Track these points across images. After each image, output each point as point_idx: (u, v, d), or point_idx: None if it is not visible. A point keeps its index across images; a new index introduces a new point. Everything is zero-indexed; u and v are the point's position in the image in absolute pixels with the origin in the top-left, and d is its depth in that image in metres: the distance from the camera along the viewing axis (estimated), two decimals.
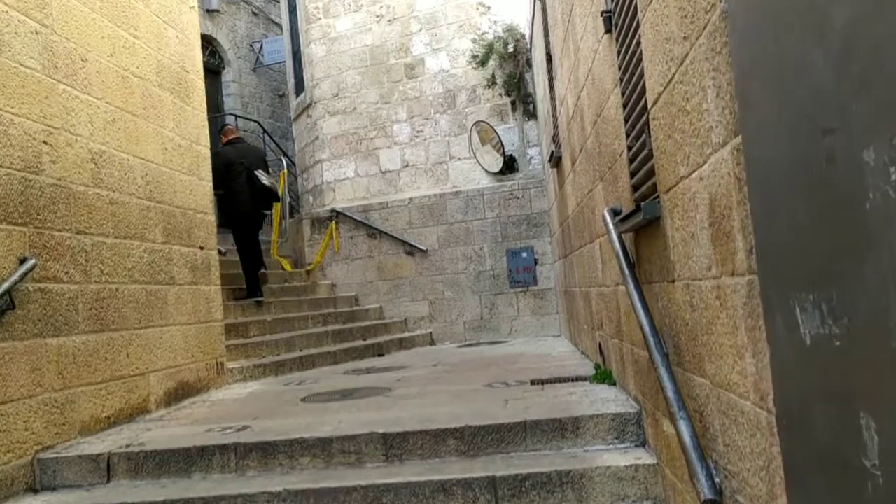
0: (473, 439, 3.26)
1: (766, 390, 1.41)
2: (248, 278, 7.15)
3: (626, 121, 2.77)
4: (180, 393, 4.81)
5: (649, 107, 2.29)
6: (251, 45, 14.22)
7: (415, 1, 9.22)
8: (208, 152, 5.71)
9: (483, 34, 8.79)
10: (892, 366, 0.82)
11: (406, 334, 8.46)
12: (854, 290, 0.92)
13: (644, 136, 2.44)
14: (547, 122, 7.08)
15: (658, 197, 2.30)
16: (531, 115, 8.62)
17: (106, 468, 3.43)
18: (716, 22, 1.50)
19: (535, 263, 8.41)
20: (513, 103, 8.71)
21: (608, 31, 2.97)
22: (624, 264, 2.66)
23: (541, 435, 3.24)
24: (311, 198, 10.05)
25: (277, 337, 6.76)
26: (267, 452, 3.35)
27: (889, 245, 0.80)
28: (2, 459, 3.28)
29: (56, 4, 3.93)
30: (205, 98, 5.71)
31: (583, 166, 4.39)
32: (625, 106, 2.76)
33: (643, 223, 2.46)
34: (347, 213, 9.23)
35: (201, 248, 5.37)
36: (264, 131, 13.01)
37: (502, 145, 8.56)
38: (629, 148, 2.75)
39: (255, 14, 14.48)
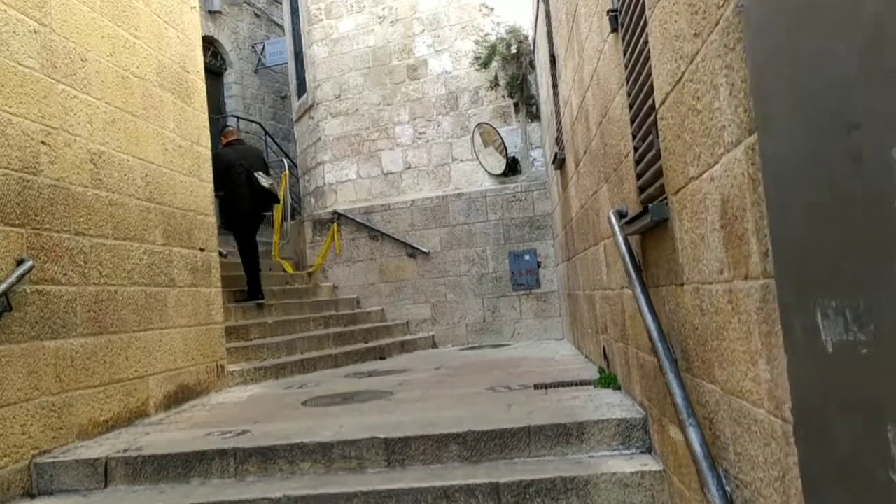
0: (476, 444, 3.21)
1: (782, 398, 1.36)
2: (250, 280, 7.11)
3: (632, 121, 2.72)
4: (180, 396, 4.76)
5: (657, 106, 2.24)
6: (253, 47, 14.19)
7: (417, 2, 9.18)
8: (209, 153, 5.67)
9: (486, 35, 8.75)
10: None
11: (408, 337, 8.42)
12: (882, 296, 0.87)
13: (651, 137, 2.39)
14: (550, 123, 7.03)
15: (666, 198, 2.25)
16: (534, 116, 8.58)
17: (103, 473, 3.38)
18: (729, 17, 1.45)
19: (538, 266, 8.36)
20: (516, 105, 8.67)
21: (614, 30, 2.93)
22: (630, 267, 2.61)
23: (545, 440, 3.19)
24: (312, 199, 10.01)
25: (278, 339, 6.72)
26: (267, 457, 3.30)
27: None
28: None
29: (55, 3, 3.89)
30: (206, 99, 5.67)
31: (587, 168, 4.34)
32: (631, 106, 2.71)
33: (650, 225, 2.41)
34: (349, 215, 9.19)
35: (202, 249, 5.33)
36: (266, 133, 12.98)
37: (505, 147, 8.52)
38: (636, 149, 2.70)
39: (257, 15, 14.46)
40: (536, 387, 4.40)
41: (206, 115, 5.65)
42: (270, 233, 9.73)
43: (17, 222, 3.44)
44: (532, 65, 8.52)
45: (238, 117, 13.01)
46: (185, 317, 4.95)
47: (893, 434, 0.89)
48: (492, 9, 8.84)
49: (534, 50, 8.37)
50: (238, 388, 5.53)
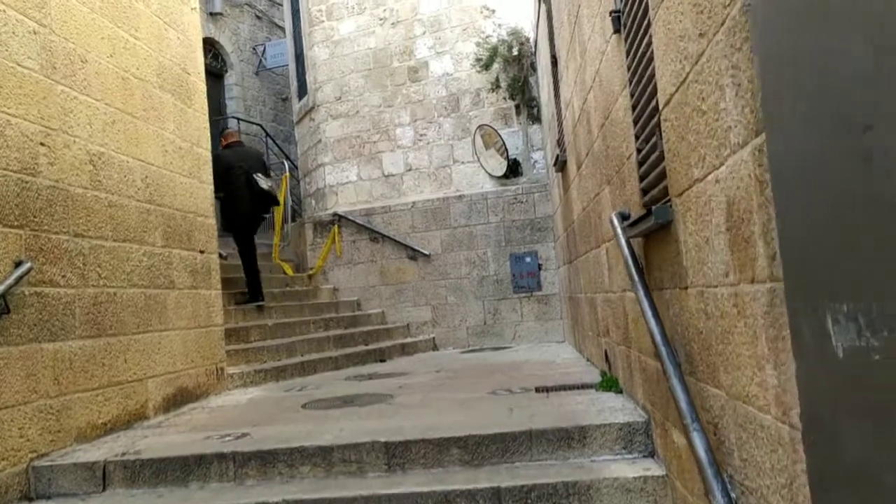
0: (477, 448, 3.18)
1: (790, 404, 1.34)
2: (250, 282, 7.09)
3: (635, 123, 2.70)
4: (179, 399, 4.74)
5: (661, 108, 2.22)
6: (254, 49, 14.19)
7: (418, 4, 9.17)
8: (209, 155, 5.65)
9: (487, 37, 8.73)
10: None
11: (408, 339, 8.39)
12: None
13: (655, 139, 2.36)
14: (551, 125, 7.01)
15: (669, 201, 2.23)
16: (535, 118, 8.56)
17: (102, 476, 3.36)
18: (735, 17, 1.43)
19: (539, 268, 8.33)
20: (517, 107, 8.65)
21: (617, 31, 2.91)
22: (633, 270, 2.59)
23: (546, 444, 3.17)
24: (313, 201, 9.99)
25: (278, 342, 6.69)
26: (266, 461, 3.27)
27: None
28: None
29: (55, 4, 3.87)
30: (206, 100, 5.66)
31: (589, 170, 4.32)
32: (634, 108, 2.69)
33: (654, 228, 2.39)
34: (350, 217, 9.16)
35: (201, 251, 5.31)
36: (267, 135, 12.97)
37: (506, 149, 8.50)
38: (638, 151, 2.68)
39: (258, 17, 14.45)
40: (538, 390, 4.37)
41: (206, 117, 5.63)
42: (271, 235, 9.71)
43: (15, 224, 3.42)
44: (533, 67, 8.50)
45: (239, 119, 12.99)
46: (184, 319, 4.93)
47: None
48: (493, 11, 8.83)
49: (535, 52, 8.35)
50: (238, 391, 5.51)
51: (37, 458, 3.45)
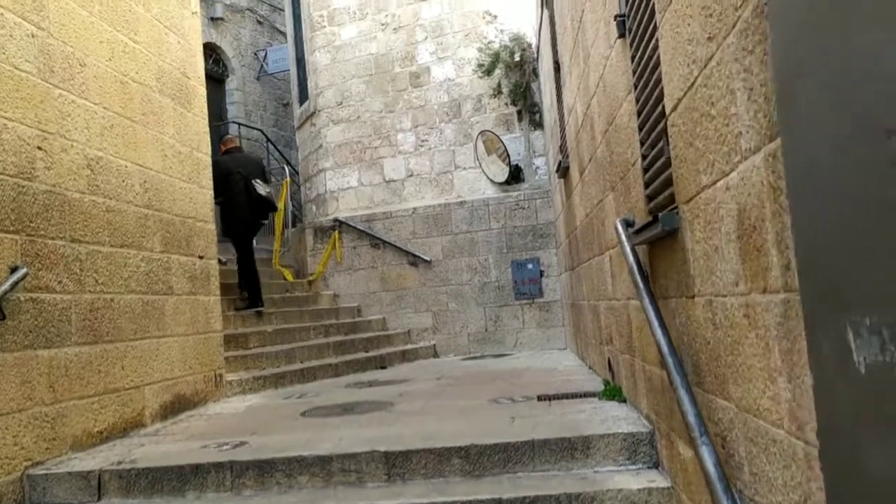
0: (479, 459, 3.13)
1: (805, 419, 1.29)
2: (249, 288, 7.05)
3: (640, 128, 2.65)
4: (177, 406, 4.68)
5: (667, 113, 2.17)
6: (255, 54, 14.17)
7: (420, 9, 9.15)
8: (209, 160, 5.62)
9: (489, 43, 8.70)
10: None
11: (409, 346, 8.33)
12: None
13: (661, 144, 2.32)
14: (554, 131, 6.98)
15: (676, 208, 2.18)
16: (537, 124, 8.52)
17: (97, 486, 3.30)
18: (748, 19, 1.38)
19: (541, 275, 8.28)
20: (519, 113, 8.61)
21: (621, 35, 2.86)
22: (638, 278, 2.54)
23: (549, 455, 3.11)
24: (313, 207, 9.95)
25: (278, 348, 6.64)
26: (264, 470, 3.22)
27: None
28: None
29: (54, 7, 3.84)
30: (206, 105, 5.62)
31: (592, 176, 4.27)
32: (639, 113, 2.64)
33: (660, 235, 2.34)
34: (350, 223, 9.12)
35: (201, 257, 5.26)
36: (268, 140, 12.94)
37: (508, 155, 8.46)
38: (644, 157, 2.64)
39: (259, 22, 14.44)
40: (540, 398, 4.32)
41: (206, 122, 5.60)
42: (271, 240, 9.67)
43: (11, 229, 3.37)
44: (535, 72, 8.46)
45: (240, 124, 12.96)
46: (182, 325, 4.88)
47: None
48: (495, 16, 8.80)
49: (537, 57, 8.32)
50: (236, 398, 5.45)
51: (31, 466, 3.40)
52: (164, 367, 4.59)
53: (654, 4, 2.24)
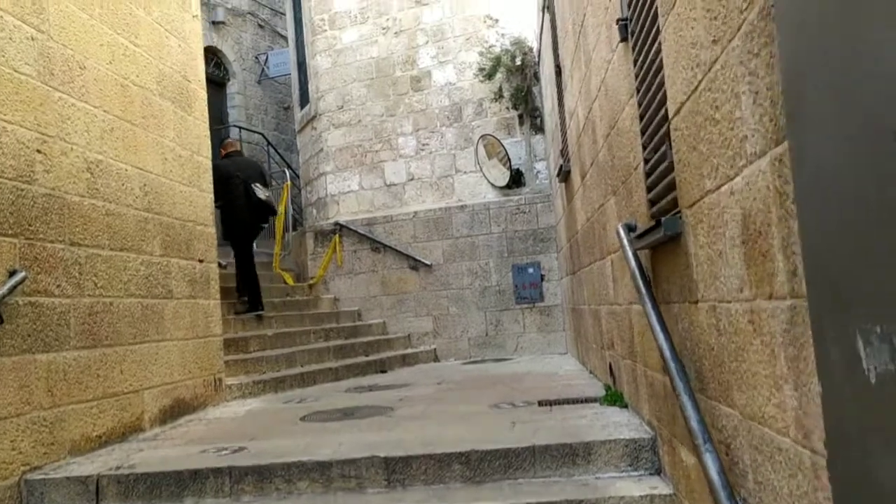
0: (480, 464, 3.11)
1: (811, 428, 1.27)
2: (250, 291, 7.03)
3: (642, 132, 2.63)
4: (176, 411, 4.66)
5: (670, 117, 2.16)
6: (256, 58, 14.17)
7: (421, 13, 9.14)
8: (209, 163, 5.60)
9: (490, 47, 8.69)
10: None
11: (409, 350, 8.31)
12: None
13: (664, 148, 2.30)
14: (555, 135, 6.96)
15: (679, 212, 2.16)
16: (538, 128, 8.51)
17: (95, 491, 3.28)
18: (753, 21, 1.37)
19: (542, 279, 8.26)
20: (520, 117, 8.60)
21: (624, 39, 2.85)
22: (640, 283, 2.52)
23: (550, 461, 3.09)
24: (314, 210, 9.93)
25: (278, 352, 6.62)
26: (263, 476, 3.20)
27: None
28: None
29: (54, 10, 3.83)
30: (206, 108, 5.61)
31: (594, 180, 4.25)
32: (642, 117, 2.63)
33: (662, 240, 2.32)
34: (351, 227, 9.10)
35: (200, 260, 5.24)
36: (269, 143, 12.93)
37: (509, 159, 8.45)
38: (646, 161, 2.62)
39: (260, 26, 14.45)
40: (541, 403, 4.30)
41: (206, 125, 5.59)
42: (272, 244, 9.65)
43: (9, 232, 3.36)
44: (536, 76, 8.46)
45: (241, 128, 12.96)
46: (182, 329, 4.86)
47: None
48: (496, 20, 8.79)
49: (538, 62, 8.31)
50: (236, 402, 5.43)
51: (29, 471, 3.38)
52: (164, 372, 4.57)
53: (657, 8, 2.23)
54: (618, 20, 2.88)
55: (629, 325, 3.43)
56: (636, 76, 2.66)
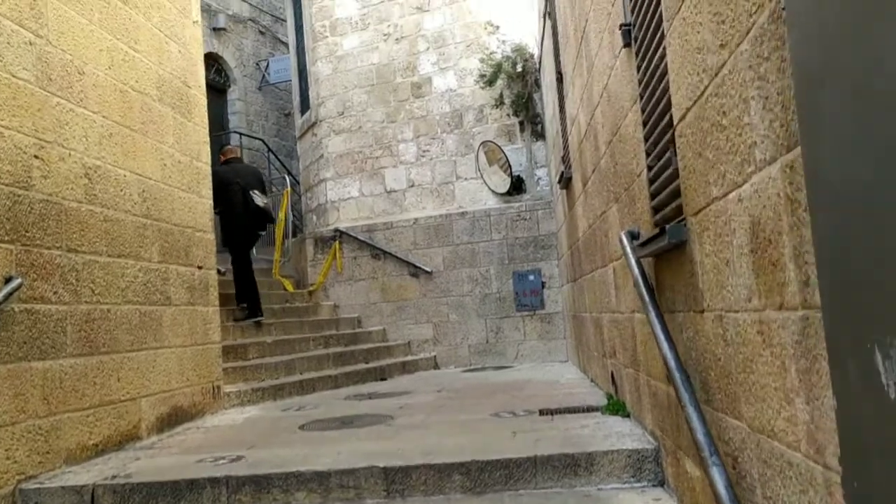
0: (480, 475, 3.06)
1: (824, 443, 1.23)
2: (249, 298, 6.99)
3: (646, 139, 2.60)
4: (174, 419, 4.62)
5: (675, 123, 2.12)
6: (257, 64, 14.17)
7: (422, 20, 9.13)
8: (209, 169, 5.57)
9: (491, 53, 8.68)
10: None
11: (409, 358, 8.26)
12: None
13: (668, 155, 2.27)
14: (556, 142, 6.94)
15: (684, 220, 2.13)
16: (539, 135, 8.48)
17: (90, 501, 3.23)
18: (763, 25, 1.33)
19: (543, 287, 8.22)
20: (521, 123, 8.58)
21: (627, 44, 2.82)
22: (644, 291, 2.48)
23: (552, 471, 3.04)
24: (314, 217, 9.90)
25: (277, 359, 6.57)
26: (261, 486, 3.15)
27: None
28: None
29: (52, 15, 3.80)
30: (206, 114, 5.58)
31: (595, 187, 4.22)
32: (645, 123, 2.60)
33: (667, 248, 2.29)
34: (351, 233, 9.07)
35: (199, 267, 5.21)
36: (269, 150, 12.92)
37: (510, 166, 8.42)
38: (649, 168, 2.59)
39: (261, 33, 14.45)
40: (542, 412, 4.25)
41: (206, 131, 5.56)
42: (271, 250, 9.61)
43: (6, 238, 3.32)
44: (537, 83, 8.44)
45: (241, 134, 12.95)
46: (180, 336, 4.82)
47: None
48: (497, 27, 8.78)
49: (539, 68, 8.30)
50: (234, 410, 5.38)
51: (24, 480, 3.33)
52: (162, 379, 4.53)
53: (661, 13, 2.20)
54: (621, 25, 2.85)
55: (632, 333, 3.39)
56: (640, 82, 2.63)
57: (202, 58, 5.68)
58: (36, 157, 3.58)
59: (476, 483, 3.05)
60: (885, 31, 0.84)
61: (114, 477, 3.34)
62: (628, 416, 3.77)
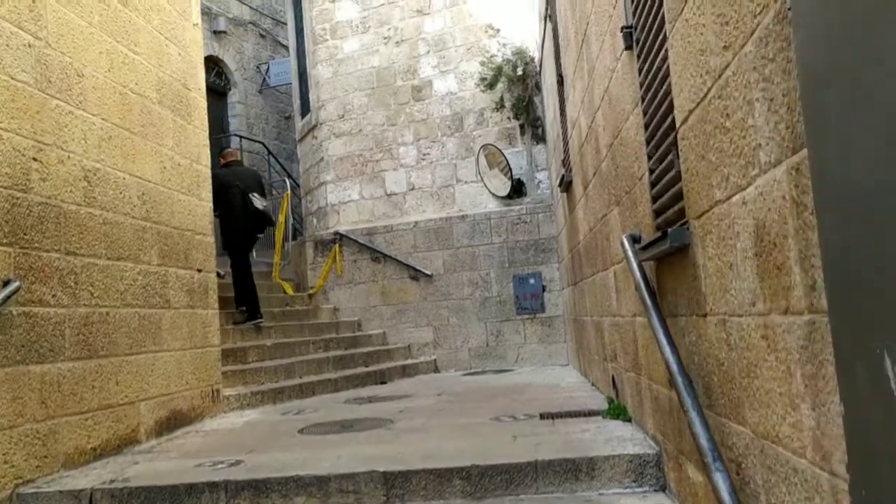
0: (480, 480, 3.04)
1: (831, 450, 1.21)
2: (248, 301, 6.97)
3: (648, 142, 2.59)
4: (173, 422, 4.59)
5: (677, 126, 2.11)
6: (258, 67, 14.17)
7: (423, 23, 9.13)
8: (209, 172, 5.56)
9: (492, 57, 8.67)
10: None
11: (409, 361, 8.24)
12: None
13: (670, 158, 2.25)
14: (557, 145, 6.92)
15: (687, 223, 2.11)
16: (540, 138, 8.47)
17: None
18: (768, 25, 1.32)
19: (543, 290, 8.20)
20: (521, 127, 8.57)
21: (628, 47, 2.81)
22: (646, 295, 2.47)
23: (553, 476, 3.03)
24: (314, 220, 9.89)
25: (277, 363, 6.55)
26: (260, 491, 3.13)
27: None
28: None
29: (52, 17, 3.79)
30: (206, 117, 5.57)
31: (596, 191, 4.21)
32: (647, 126, 2.58)
33: (669, 251, 2.27)
34: (351, 236, 9.05)
35: (199, 270, 5.19)
36: (269, 153, 12.90)
37: (510, 169, 8.40)
38: (651, 171, 2.57)
39: (262, 36, 14.45)
40: (542, 416, 4.23)
41: (206, 133, 5.54)
42: (271, 253, 9.60)
43: (4, 241, 3.30)
44: (538, 86, 8.43)
45: (241, 137, 12.94)
46: (179, 339, 4.80)
47: None
48: (498, 30, 8.78)
49: (540, 71, 8.29)
50: (234, 414, 5.36)
51: (22, 484, 3.31)
52: (161, 383, 4.51)
53: (663, 14, 2.18)
54: (622, 28, 2.84)
55: (633, 337, 3.37)
56: (641, 84, 2.61)
57: (202, 60, 5.67)
58: (35, 159, 3.57)
59: (476, 488, 3.03)
60: (893, 31, 0.83)
61: (112, 481, 3.32)
62: (630, 420, 3.75)
